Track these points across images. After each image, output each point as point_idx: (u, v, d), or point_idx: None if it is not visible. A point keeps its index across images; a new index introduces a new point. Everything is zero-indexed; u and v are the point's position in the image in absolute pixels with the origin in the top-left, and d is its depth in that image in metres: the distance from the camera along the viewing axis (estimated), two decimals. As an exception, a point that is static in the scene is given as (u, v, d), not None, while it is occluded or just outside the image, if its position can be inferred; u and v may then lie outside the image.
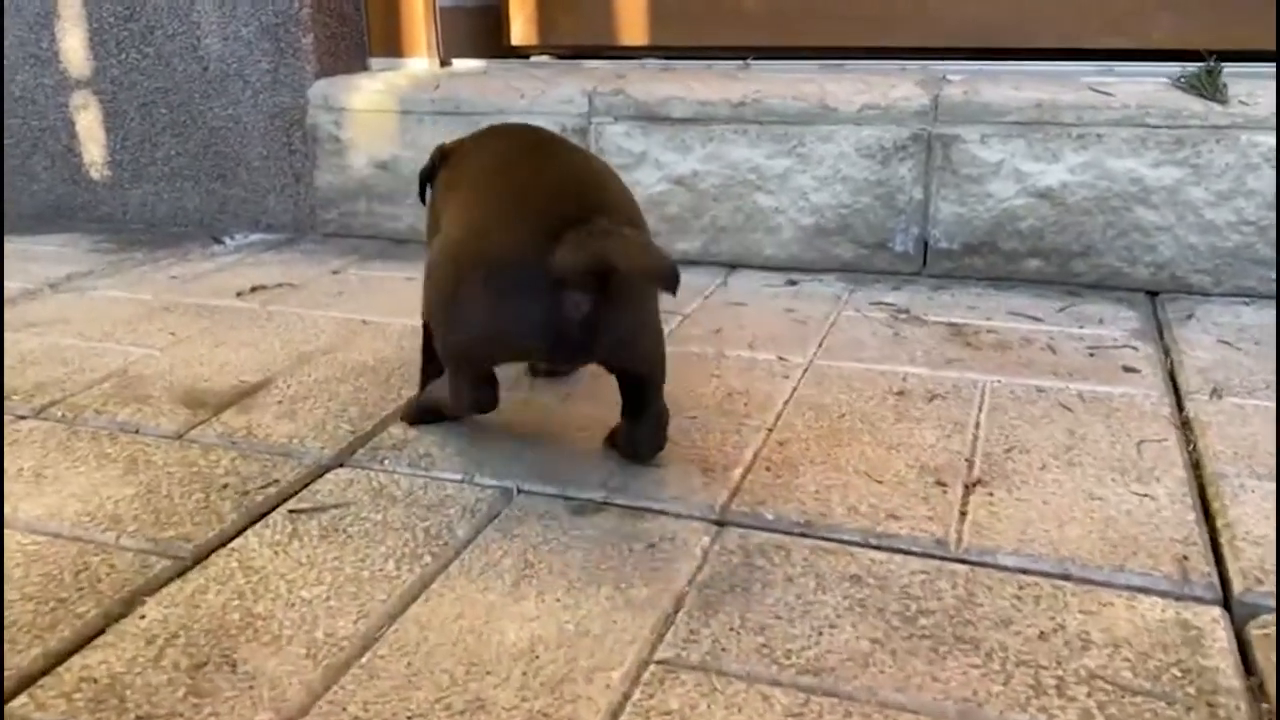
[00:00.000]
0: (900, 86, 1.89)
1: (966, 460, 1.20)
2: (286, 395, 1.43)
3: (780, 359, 1.54)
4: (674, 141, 1.96)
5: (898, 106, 1.85)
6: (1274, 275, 1.72)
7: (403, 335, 1.64)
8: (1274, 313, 1.67)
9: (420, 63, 2.36)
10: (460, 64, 2.41)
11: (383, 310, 1.79)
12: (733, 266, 2.01)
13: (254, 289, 1.93)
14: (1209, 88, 1.75)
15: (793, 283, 1.89)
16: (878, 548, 1.03)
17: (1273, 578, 0.95)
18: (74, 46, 2.42)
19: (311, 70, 2.25)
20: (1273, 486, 1.11)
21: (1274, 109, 1.68)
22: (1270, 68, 1.83)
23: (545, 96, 2.07)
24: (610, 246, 0.99)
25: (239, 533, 1.07)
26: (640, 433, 1.17)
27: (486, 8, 2.59)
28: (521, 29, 2.61)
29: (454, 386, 1.19)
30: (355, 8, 2.35)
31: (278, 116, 2.30)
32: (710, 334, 1.64)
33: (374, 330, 1.69)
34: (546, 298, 1.01)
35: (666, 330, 1.52)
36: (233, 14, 2.27)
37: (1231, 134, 1.70)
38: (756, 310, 1.76)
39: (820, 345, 1.59)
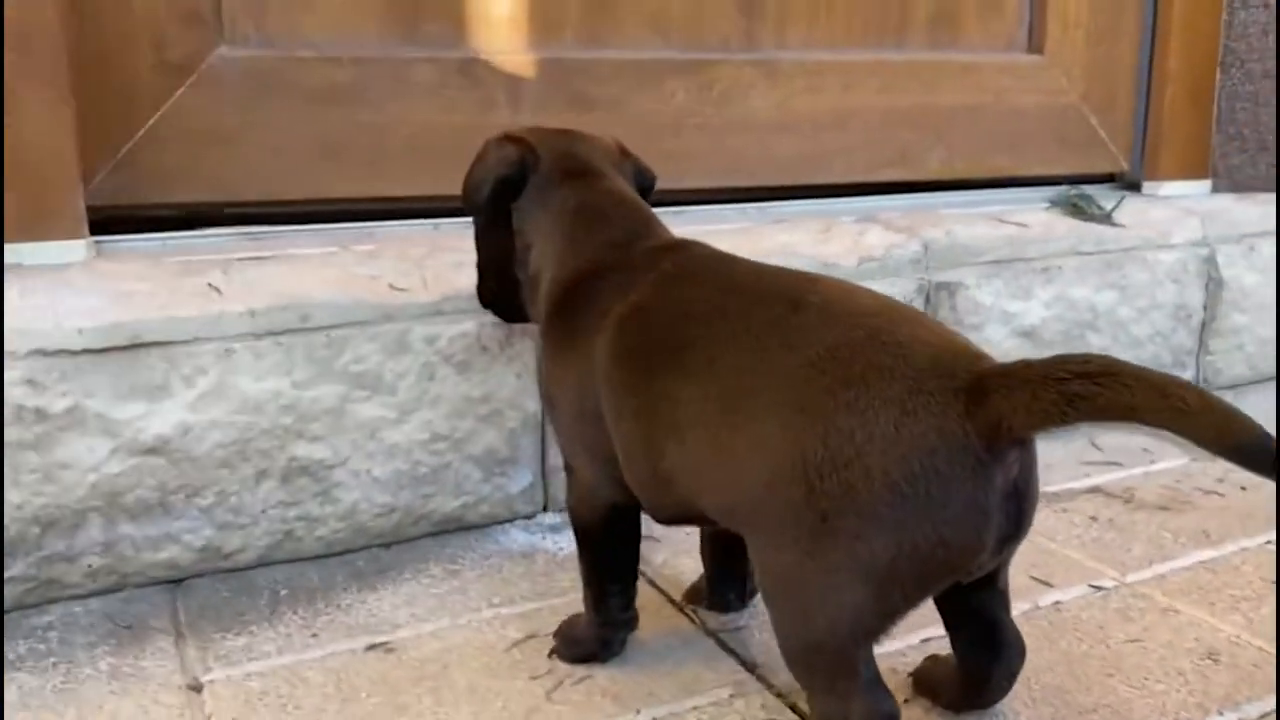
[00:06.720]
0: (869, 233, 1.61)
1: None
2: None
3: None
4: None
5: (893, 256, 1.57)
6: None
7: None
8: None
9: None
10: None
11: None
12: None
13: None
14: (1092, 212, 1.83)
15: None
16: None
17: None
18: None
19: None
20: None
21: (1160, 228, 1.82)
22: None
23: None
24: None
25: None
26: (1000, 671, 0.93)
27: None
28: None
29: (826, 703, 0.84)
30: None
31: None
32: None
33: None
34: (977, 471, 0.77)
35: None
36: None
37: (1138, 254, 1.79)
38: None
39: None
